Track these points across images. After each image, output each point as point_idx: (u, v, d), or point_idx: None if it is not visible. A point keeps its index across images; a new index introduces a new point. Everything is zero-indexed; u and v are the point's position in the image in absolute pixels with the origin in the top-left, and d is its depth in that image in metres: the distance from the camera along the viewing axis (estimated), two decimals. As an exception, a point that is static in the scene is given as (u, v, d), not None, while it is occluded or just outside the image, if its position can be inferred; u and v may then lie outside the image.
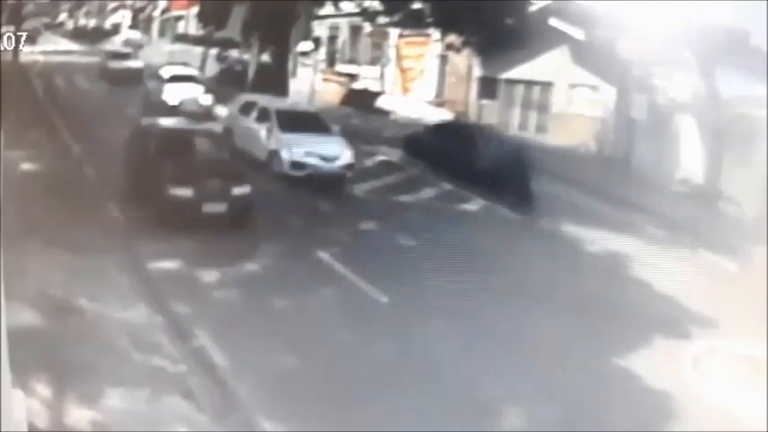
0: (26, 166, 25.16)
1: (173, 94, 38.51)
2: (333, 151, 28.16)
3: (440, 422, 13.50)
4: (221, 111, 37.38)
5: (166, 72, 41.16)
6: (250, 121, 30.20)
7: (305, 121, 29.77)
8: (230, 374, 14.18)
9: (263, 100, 31.69)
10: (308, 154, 27.62)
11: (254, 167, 27.14)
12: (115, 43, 63.20)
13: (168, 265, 19.01)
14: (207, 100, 39.17)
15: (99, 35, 68.18)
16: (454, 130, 33.79)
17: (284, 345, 15.59)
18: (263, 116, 29.69)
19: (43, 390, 12.71)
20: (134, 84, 43.76)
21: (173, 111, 36.63)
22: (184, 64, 45.89)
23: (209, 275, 18.76)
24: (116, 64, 49.03)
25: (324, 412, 13.32)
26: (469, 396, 14.50)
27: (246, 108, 31.28)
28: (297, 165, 27.61)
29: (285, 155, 27.74)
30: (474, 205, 27.16)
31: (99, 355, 14.25)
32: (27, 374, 12.62)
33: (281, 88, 41.09)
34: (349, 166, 28.32)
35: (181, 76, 41.00)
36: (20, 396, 11.93)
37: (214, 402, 13.38)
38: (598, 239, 24.49)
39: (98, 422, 12.38)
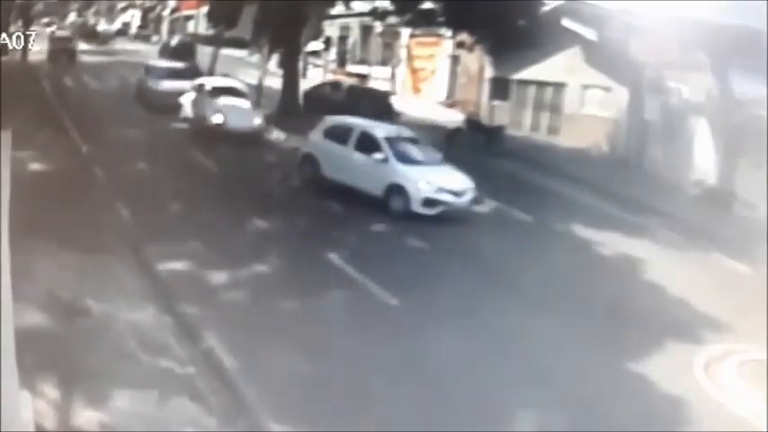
0: (35, 167, 25.14)
1: (215, 110, 34.32)
2: (460, 185, 25.68)
3: (450, 426, 13.38)
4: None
5: (207, 83, 37.14)
6: (348, 150, 26.84)
7: (417, 150, 27.25)
8: (239, 377, 14.06)
9: (361, 124, 27.88)
10: (440, 189, 25.19)
11: (364, 203, 25.63)
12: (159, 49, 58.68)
13: (177, 266, 18.92)
14: (258, 118, 35.25)
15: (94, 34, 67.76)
16: (335, 86, 42.39)
17: (293, 347, 15.45)
18: (368, 144, 26.50)
19: (51, 391, 12.65)
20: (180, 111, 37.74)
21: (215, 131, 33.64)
22: (225, 75, 43.22)
23: (219, 277, 18.65)
24: (158, 85, 40.43)
25: (332, 415, 13.22)
26: (480, 400, 14.35)
27: (337, 133, 27.68)
28: (430, 202, 25.07)
29: (415, 191, 25.08)
30: (485, 207, 26.99)
31: (107, 356, 14.18)
32: (35, 376, 12.60)
33: (291, 89, 41.10)
34: (476, 200, 25.97)
35: (224, 88, 36.80)
36: (27, 397, 11.90)
37: (223, 405, 13.29)
38: (611, 242, 24.36)
39: (105, 424, 12.30)
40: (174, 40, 57.73)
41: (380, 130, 27.53)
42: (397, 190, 25.30)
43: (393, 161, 25.84)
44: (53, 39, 56.86)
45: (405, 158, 26.18)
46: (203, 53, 51.89)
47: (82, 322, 15.34)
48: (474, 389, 14.70)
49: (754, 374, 16.56)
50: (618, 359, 16.44)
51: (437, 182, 25.22)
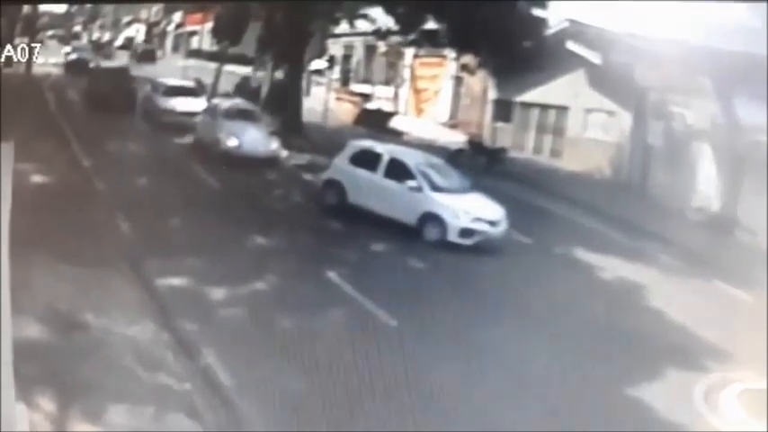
0: (36, 179, 25.04)
1: (229, 133, 32.66)
2: (495, 214, 25.29)
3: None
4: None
5: (220, 104, 35.76)
6: (377, 177, 26.34)
7: (447, 177, 26.61)
8: (236, 394, 14.03)
9: (389, 150, 27.30)
10: (477, 219, 24.90)
11: (394, 231, 25.00)
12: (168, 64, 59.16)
13: (176, 281, 18.86)
14: (274, 142, 33.45)
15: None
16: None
17: (291, 365, 15.48)
18: (398, 171, 26.10)
19: (47, 404, 12.63)
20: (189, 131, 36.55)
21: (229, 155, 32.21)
22: (230, 95, 42.04)
23: (217, 293, 18.58)
24: (165, 102, 38.57)
25: None
26: (478, 422, 14.29)
27: (365, 159, 27.00)
28: (467, 232, 24.81)
29: (452, 221, 24.81)
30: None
31: (104, 371, 14.17)
32: (31, 388, 12.54)
33: (294, 107, 41.03)
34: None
35: (238, 109, 35.43)
36: (23, 410, 11.85)
37: (219, 421, 13.25)
38: (611, 267, 24.27)
39: (101, 438, 12.25)
40: (140, 48, 61.04)
41: (411, 156, 27.04)
42: (432, 219, 24.98)
43: (427, 190, 25.49)
44: (96, 72, 46.33)
45: (437, 186, 25.79)
46: (207, 69, 51.90)
47: (80, 336, 15.33)
48: (472, 411, 14.67)
49: (754, 403, 16.49)
50: (617, 385, 16.43)
51: (474, 211, 25.00)
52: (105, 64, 51.31)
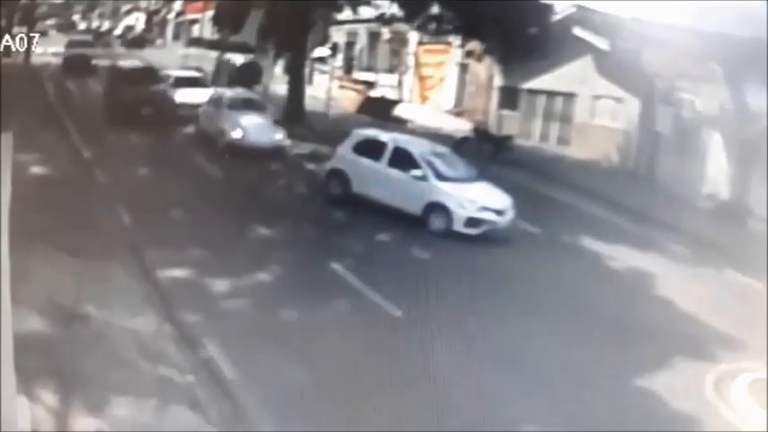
0: (36, 170, 25.02)
1: (234, 124, 32.42)
2: (502, 203, 25.05)
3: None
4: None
5: (225, 95, 35.11)
6: (381, 166, 26.04)
7: (452, 166, 26.35)
8: (239, 386, 13.97)
9: (393, 139, 26.94)
10: (483, 208, 24.59)
11: (399, 221, 24.71)
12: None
13: (178, 273, 18.76)
14: (279, 133, 33.10)
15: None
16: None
17: (294, 357, 15.46)
18: (402, 160, 25.74)
19: (48, 397, 12.64)
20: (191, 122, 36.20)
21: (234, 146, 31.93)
22: (240, 84, 40.73)
23: (220, 285, 18.47)
24: (175, 95, 37.83)
25: (333, 426, 13.21)
26: (484, 414, 14.18)
27: (369, 148, 26.70)
28: (473, 221, 24.47)
29: (458, 210, 24.49)
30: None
31: (106, 363, 14.18)
32: (32, 381, 12.56)
33: (296, 95, 40.90)
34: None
35: (243, 100, 35.05)
36: (25, 403, 11.77)
37: (222, 414, 13.21)
38: (620, 256, 24.13)
39: (103, 431, 12.12)
40: (131, 34, 64.56)
41: (416, 145, 26.76)
42: (437, 209, 24.73)
43: (432, 179, 25.20)
44: (115, 75, 40.65)
45: (443, 176, 25.50)
46: (208, 57, 51.83)
47: (81, 328, 15.26)
48: (478, 402, 14.60)
49: (765, 393, 16.33)
50: (627, 375, 16.37)
51: (480, 200, 24.72)
52: (127, 64, 46.09)
